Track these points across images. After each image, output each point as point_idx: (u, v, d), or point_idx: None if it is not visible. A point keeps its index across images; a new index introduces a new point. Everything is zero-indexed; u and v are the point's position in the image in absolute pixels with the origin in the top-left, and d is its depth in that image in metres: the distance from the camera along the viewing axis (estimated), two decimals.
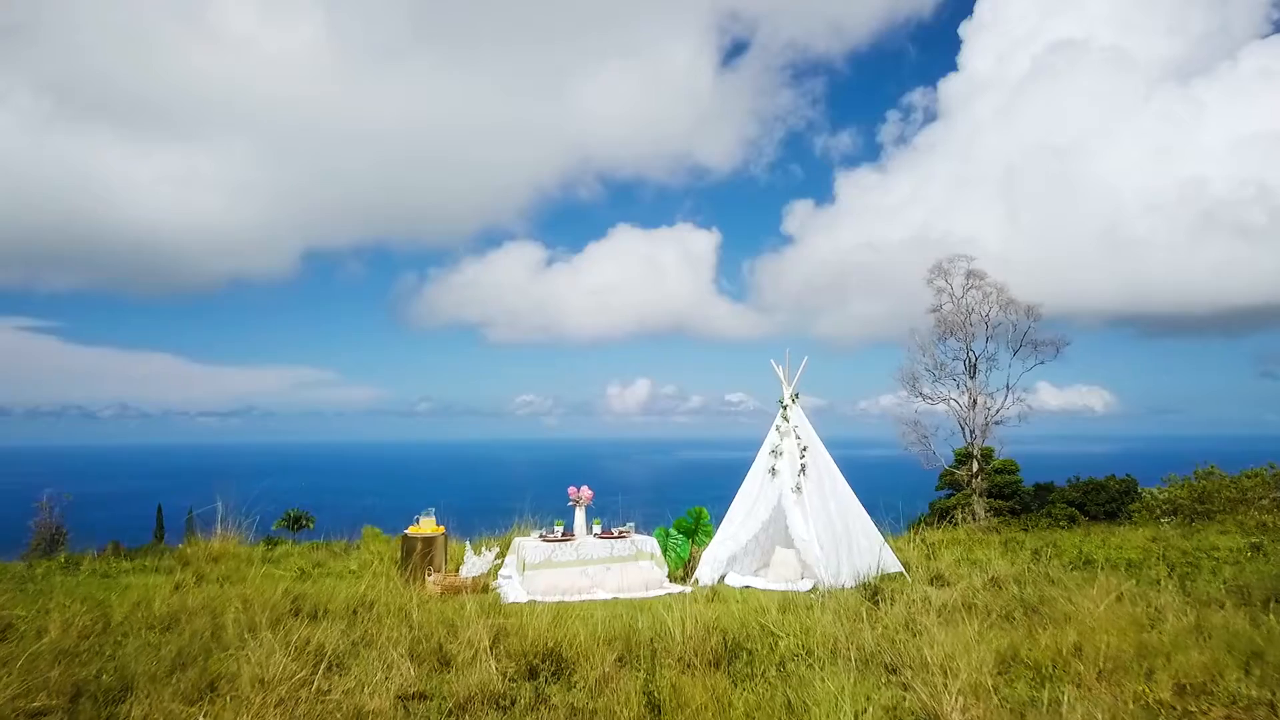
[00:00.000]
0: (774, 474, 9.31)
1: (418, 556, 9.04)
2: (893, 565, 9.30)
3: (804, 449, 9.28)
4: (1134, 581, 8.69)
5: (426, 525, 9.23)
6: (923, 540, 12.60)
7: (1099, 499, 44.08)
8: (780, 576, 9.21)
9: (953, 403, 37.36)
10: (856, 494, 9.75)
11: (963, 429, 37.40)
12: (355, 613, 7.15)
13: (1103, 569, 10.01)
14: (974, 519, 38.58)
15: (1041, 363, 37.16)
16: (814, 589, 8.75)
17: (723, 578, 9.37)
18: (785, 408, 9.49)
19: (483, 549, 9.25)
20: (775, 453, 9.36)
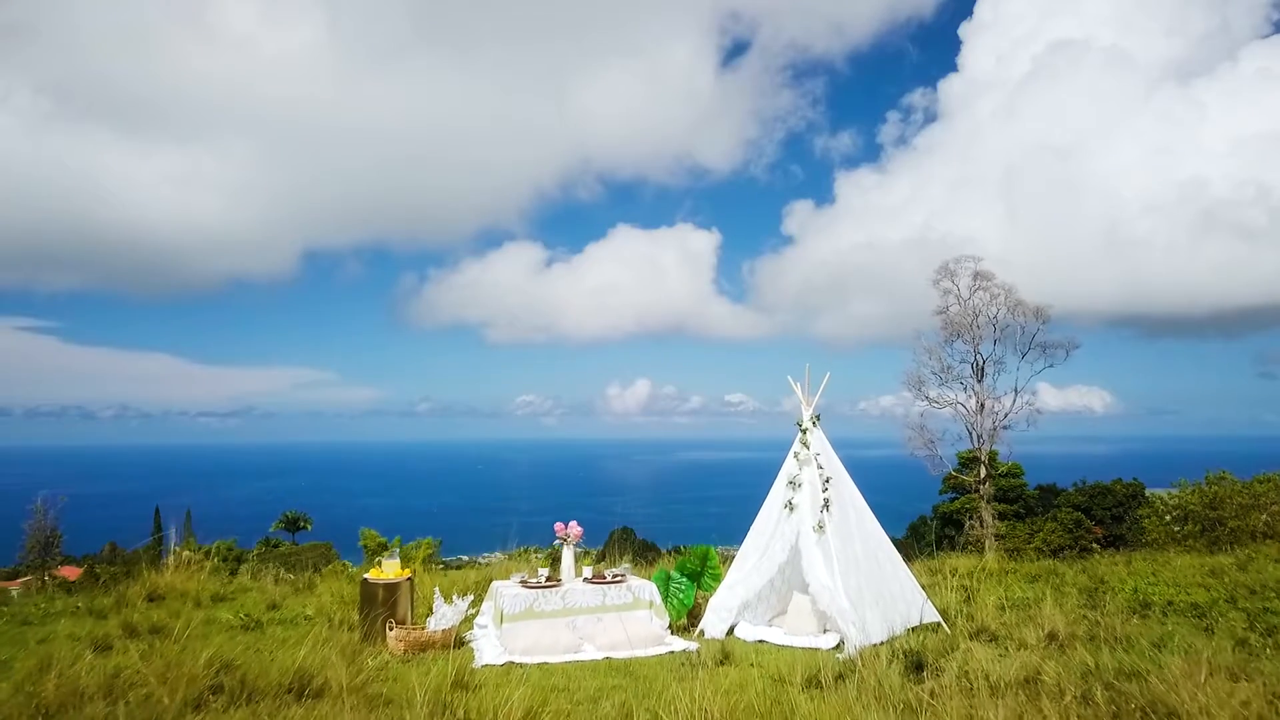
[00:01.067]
0: (791, 508, 8.02)
1: (379, 606, 7.76)
2: (930, 615, 8.04)
3: (827, 480, 7.99)
4: (1212, 636, 7.46)
5: (389, 568, 7.95)
6: (953, 574, 11.33)
7: (1105, 503, 42.82)
8: (799, 628, 7.93)
9: (959, 407, 36.16)
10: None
11: (970, 433, 36.16)
12: (289, 691, 5.88)
13: (1168, 614, 8.78)
14: (982, 526, 37.35)
15: (1051, 366, 35.92)
16: (839, 646, 7.48)
17: (733, 629, 8.10)
18: (805, 431, 8.20)
19: (454, 597, 7.98)
20: (793, 484, 8.07)
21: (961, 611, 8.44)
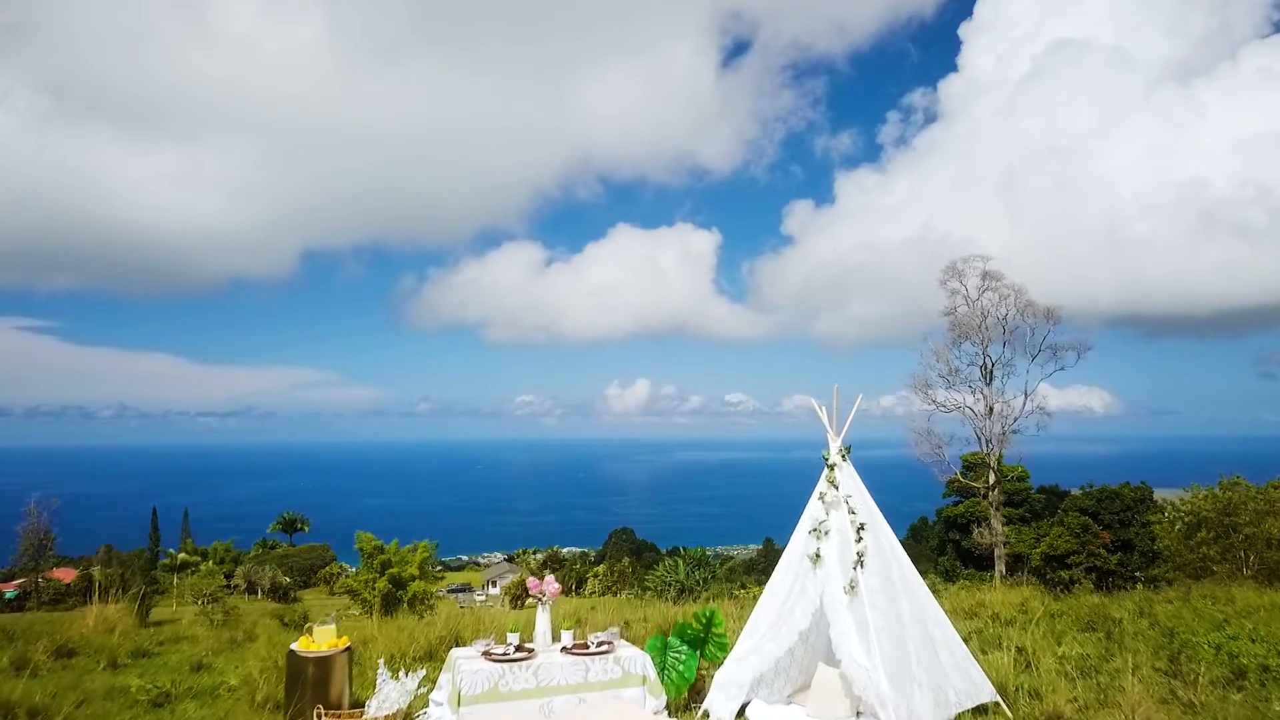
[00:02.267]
0: (818, 560, 6.54)
1: (308, 685, 6.28)
2: (987, 693, 6.56)
3: (861, 527, 6.51)
4: None
5: (322, 637, 6.48)
6: (993, 618, 9.87)
7: (1113, 507, 41.41)
8: (826, 709, 6.46)
9: (967, 410, 34.55)
10: None
11: (978, 438, 34.60)
12: None
13: (1266, 684, 7.30)
14: (991, 533, 35.83)
15: (1062, 368, 34.46)
16: None
17: (744, 708, 6.63)
18: (832, 468, 6.71)
19: (402, 672, 6.50)
20: (819, 531, 6.58)
21: (1021, 685, 6.96)
